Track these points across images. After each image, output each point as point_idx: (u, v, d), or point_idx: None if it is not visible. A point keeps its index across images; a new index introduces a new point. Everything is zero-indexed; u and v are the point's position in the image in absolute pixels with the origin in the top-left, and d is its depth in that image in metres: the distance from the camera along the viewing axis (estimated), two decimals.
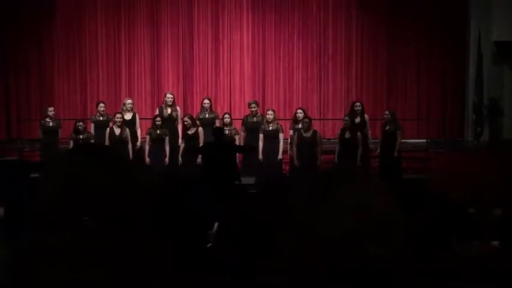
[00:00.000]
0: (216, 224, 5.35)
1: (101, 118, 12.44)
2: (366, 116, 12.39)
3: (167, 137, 11.98)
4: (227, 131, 11.91)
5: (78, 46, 15.87)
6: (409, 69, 15.66)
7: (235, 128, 12.20)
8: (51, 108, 12.68)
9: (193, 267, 3.83)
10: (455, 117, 15.46)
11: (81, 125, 12.10)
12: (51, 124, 12.44)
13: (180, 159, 11.93)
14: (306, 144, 11.64)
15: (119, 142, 11.75)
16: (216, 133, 10.95)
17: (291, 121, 12.60)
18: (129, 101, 12.68)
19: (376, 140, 12.48)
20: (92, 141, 11.79)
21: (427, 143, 13.80)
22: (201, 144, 11.69)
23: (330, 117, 15.50)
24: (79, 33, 15.85)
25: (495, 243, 5.14)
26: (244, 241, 4.66)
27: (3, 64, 15.69)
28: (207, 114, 12.35)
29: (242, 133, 12.16)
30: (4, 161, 11.81)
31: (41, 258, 1.13)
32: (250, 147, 11.53)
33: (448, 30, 15.34)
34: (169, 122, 12.30)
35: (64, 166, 1.20)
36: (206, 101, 12.55)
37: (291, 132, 12.10)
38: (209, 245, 5.16)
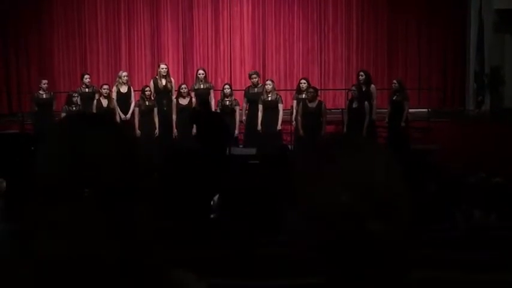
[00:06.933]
0: (217, 196, 5.35)
1: (87, 90, 12.35)
2: (372, 86, 12.26)
3: (156, 108, 11.90)
4: (227, 101, 11.88)
5: (77, 18, 15.76)
6: (410, 38, 15.56)
7: (235, 99, 12.16)
8: (44, 81, 12.52)
9: (196, 239, 3.84)
10: (456, 86, 15.39)
11: (75, 96, 11.95)
12: (44, 96, 12.31)
13: (175, 130, 11.92)
14: (311, 115, 11.60)
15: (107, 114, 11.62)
16: (202, 105, 11.03)
17: (294, 91, 12.54)
18: (125, 73, 12.54)
19: (382, 110, 12.40)
20: None
21: (428, 112, 13.75)
22: None
23: (330, 88, 15.46)
24: (78, 5, 15.73)
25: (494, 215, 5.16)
26: (245, 212, 4.66)
27: (2, 38, 15.59)
28: (201, 85, 12.25)
29: (244, 105, 12.10)
30: (5, 134, 11.79)
31: (42, 232, 1.12)
32: (228, 135, 11.19)
33: None
34: (165, 93, 12.22)
35: (64, 135, 1.18)
36: (201, 71, 12.45)
37: (294, 102, 12.05)
38: (212, 216, 5.17)
